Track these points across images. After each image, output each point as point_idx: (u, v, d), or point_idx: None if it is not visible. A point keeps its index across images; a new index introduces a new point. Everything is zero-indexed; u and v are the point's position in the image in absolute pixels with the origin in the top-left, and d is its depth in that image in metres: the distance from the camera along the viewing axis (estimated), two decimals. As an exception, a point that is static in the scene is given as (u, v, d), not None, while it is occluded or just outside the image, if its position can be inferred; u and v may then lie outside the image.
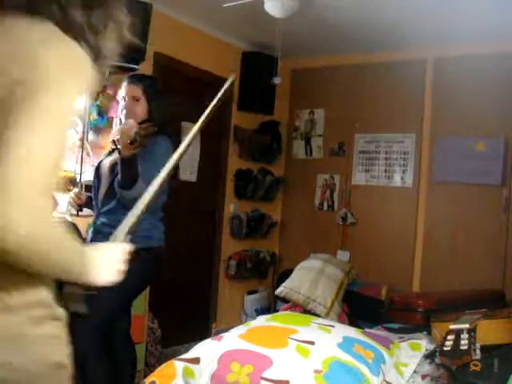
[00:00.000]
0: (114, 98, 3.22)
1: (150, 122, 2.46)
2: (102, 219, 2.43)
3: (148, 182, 2.24)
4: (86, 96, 3.13)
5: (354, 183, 4.39)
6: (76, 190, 2.63)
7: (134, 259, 2.47)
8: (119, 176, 2.23)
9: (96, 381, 2.30)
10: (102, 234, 2.41)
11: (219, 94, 1.49)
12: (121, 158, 2.20)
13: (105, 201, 2.42)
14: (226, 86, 1.55)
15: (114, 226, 2.47)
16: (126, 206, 2.30)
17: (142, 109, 2.44)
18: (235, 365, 1.34)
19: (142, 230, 2.40)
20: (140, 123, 2.37)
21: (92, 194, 2.57)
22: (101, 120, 3.22)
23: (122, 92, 2.51)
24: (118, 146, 2.23)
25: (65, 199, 3.11)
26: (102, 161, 2.55)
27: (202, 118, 1.45)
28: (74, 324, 2.36)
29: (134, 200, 2.24)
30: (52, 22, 0.98)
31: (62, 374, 1.14)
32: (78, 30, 1.03)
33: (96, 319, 2.29)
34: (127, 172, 2.20)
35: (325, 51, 4.32)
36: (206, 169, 4.24)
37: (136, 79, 2.52)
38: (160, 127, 2.48)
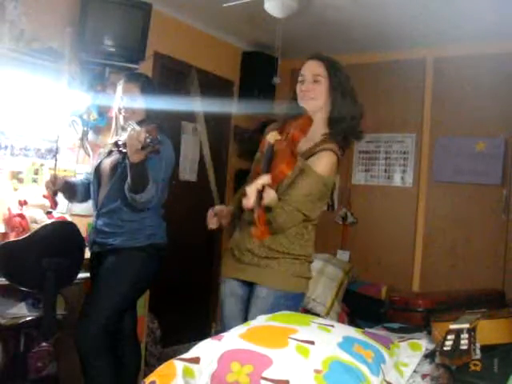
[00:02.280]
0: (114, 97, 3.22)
1: (151, 123, 2.45)
2: (104, 219, 2.42)
3: (156, 183, 2.25)
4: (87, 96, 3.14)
5: (354, 183, 4.39)
6: (52, 172, 2.57)
7: (139, 256, 2.49)
8: (129, 181, 2.19)
9: (98, 381, 2.31)
10: (104, 233, 2.41)
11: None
12: (130, 164, 2.13)
13: (106, 201, 2.42)
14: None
15: (117, 225, 2.49)
16: (132, 207, 2.31)
17: (138, 107, 2.44)
18: (235, 364, 1.34)
19: (146, 227, 2.41)
20: (139, 122, 2.37)
21: (91, 195, 2.57)
22: (101, 120, 3.22)
23: (118, 91, 2.49)
24: (124, 150, 2.18)
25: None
26: (101, 161, 2.54)
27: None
28: (78, 323, 2.38)
29: (146, 202, 2.25)
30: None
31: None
32: None
33: (99, 318, 2.30)
34: (138, 177, 2.16)
35: (324, 51, 4.30)
36: (205, 169, 4.24)
37: (133, 77, 2.51)
38: (159, 126, 2.47)
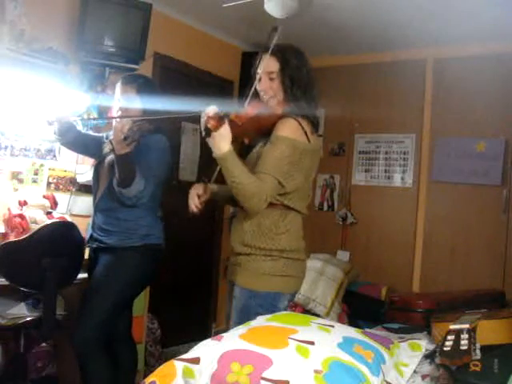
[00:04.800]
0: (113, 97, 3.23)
1: (148, 124, 2.46)
2: (102, 217, 2.44)
3: (146, 179, 2.26)
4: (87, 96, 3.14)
5: (354, 183, 4.39)
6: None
7: (133, 256, 2.49)
8: (116, 175, 2.23)
9: (96, 381, 2.31)
10: (101, 230, 2.42)
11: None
12: (116, 156, 2.20)
13: (104, 200, 2.43)
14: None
15: (113, 224, 2.50)
16: (126, 205, 2.32)
17: (135, 108, 2.45)
18: (235, 365, 1.34)
19: (141, 228, 2.41)
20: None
21: (92, 190, 2.59)
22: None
23: (117, 92, 2.51)
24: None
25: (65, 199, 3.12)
26: (101, 160, 2.55)
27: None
28: (74, 324, 2.38)
29: (134, 198, 2.27)
30: None
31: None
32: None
33: (95, 318, 2.30)
34: (124, 169, 2.21)
35: (325, 51, 4.31)
36: (205, 169, 4.24)
37: (129, 79, 2.52)
38: (156, 126, 2.48)
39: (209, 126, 1.72)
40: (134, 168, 2.23)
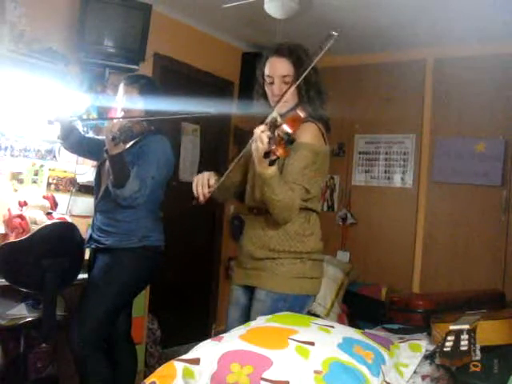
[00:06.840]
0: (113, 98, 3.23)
1: (149, 124, 2.46)
2: (101, 218, 2.44)
3: (142, 180, 2.26)
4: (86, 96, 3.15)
5: (354, 184, 4.39)
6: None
7: (131, 258, 2.49)
8: (111, 175, 2.24)
9: (95, 382, 2.30)
10: (100, 231, 2.43)
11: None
12: (108, 156, 2.21)
13: (103, 201, 2.44)
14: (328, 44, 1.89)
15: (111, 225, 2.50)
16: (122, 206, 2.32)
17: (137, 109, 2.45)
18: (235, 365, 1.34)
19: (140, 229, 2.40)
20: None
21: (94, 191, 2.59)
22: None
23: (120, 93, 2.51)
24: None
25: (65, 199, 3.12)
26: (103, 162, 2.56)
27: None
28: (72, 326, 2.37)
29: (129, 198, 2.26)
30: None
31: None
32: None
33: (92, 320, 2.30)
34: (117, 170, 2.21)
35: (325, 51, 4.31)
36: (205, 169, 4.23)
37: (131, 80, 2.53)
38: (157, 127, 2.48)
39: (278, 154, 1.60)
40: (127, 169, 2.23)
